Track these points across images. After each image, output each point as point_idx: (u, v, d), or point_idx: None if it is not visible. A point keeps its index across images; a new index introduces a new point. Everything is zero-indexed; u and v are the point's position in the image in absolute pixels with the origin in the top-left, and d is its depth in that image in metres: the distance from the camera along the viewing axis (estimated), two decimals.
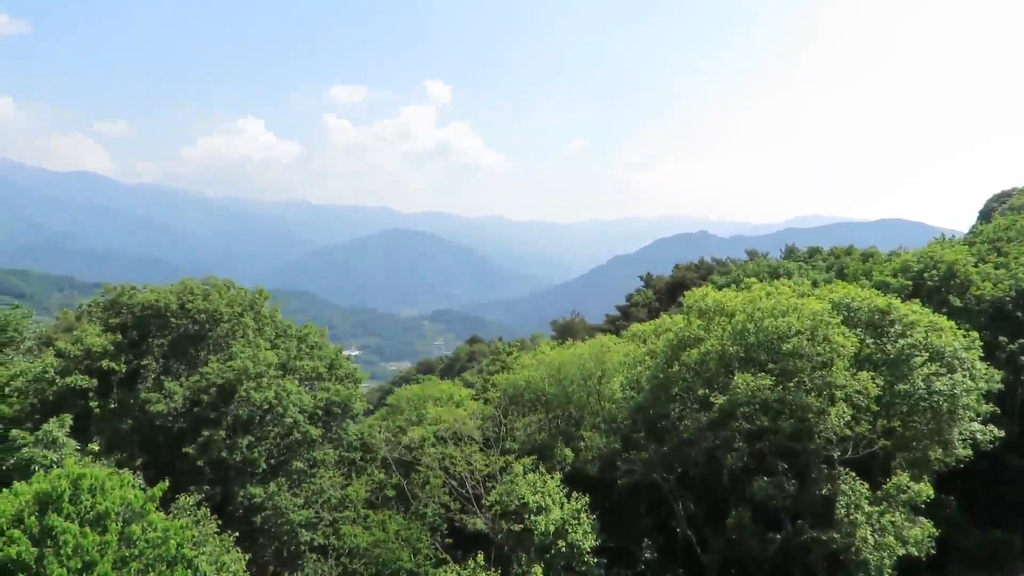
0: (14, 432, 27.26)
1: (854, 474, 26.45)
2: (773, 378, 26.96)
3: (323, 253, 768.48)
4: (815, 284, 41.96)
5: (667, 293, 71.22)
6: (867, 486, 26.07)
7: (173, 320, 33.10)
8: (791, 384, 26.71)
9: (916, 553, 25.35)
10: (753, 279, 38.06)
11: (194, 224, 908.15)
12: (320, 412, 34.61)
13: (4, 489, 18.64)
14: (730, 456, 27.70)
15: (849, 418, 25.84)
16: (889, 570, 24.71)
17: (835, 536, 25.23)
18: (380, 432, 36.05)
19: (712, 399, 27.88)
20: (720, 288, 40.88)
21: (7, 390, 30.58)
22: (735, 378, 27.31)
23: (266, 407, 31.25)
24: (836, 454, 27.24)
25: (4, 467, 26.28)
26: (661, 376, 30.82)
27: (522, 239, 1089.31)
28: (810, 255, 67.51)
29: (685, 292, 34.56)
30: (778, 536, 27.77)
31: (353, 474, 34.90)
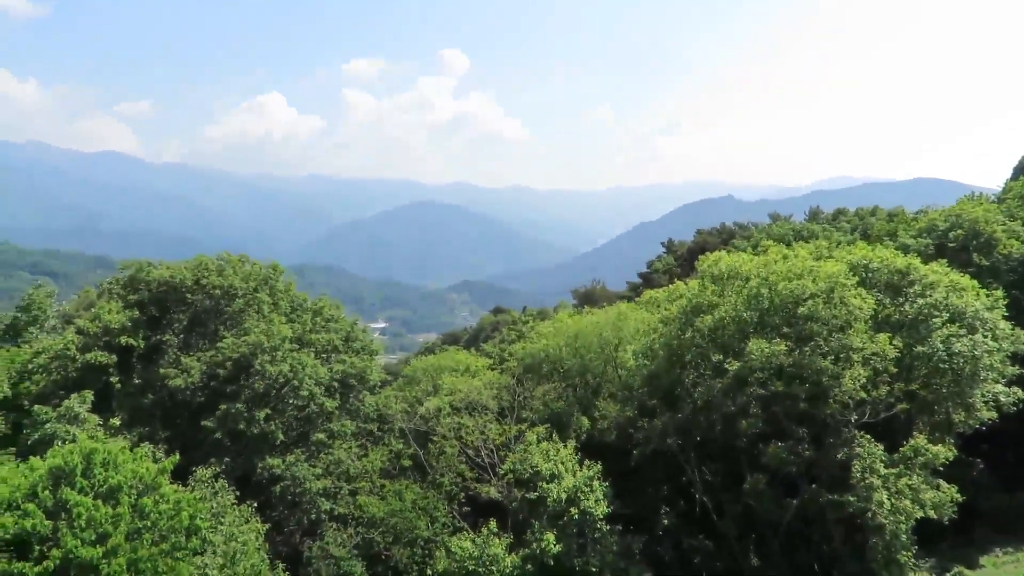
0: (37, 408, 27.95)
1: (870, 437, 26.00)
2: (788, 343, 26.52)
3: (349, 227, 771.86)
4: (838, 245, 41.04)
5: (688, 259, 70.27)
6: (882, 448, 25.61)
7: (189, 296, 33.49)
8: (807, 348, 26.22)
9: (935, 516, 24.92)
10: (771, 242, 37.28)
11: (221, 201, 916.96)
12: (336, 384, 34.91)
13: (19, 464, 19.13)
14: (745, 422, 27.43)
15: (865, 381, 25.33)
16: (906, 533, 24.36)
17: (851, 499, 24.90)
18: (396, 403, 36.30)
19: (726, 365, 27.50)
20: (740, 252, 40.15)
21: (31, 367, 31.29)
22: (749, 344, 26.90)
23: (282, 380, 31.58)
24: (853, 418, 26.79)
25: (29, 442, 26.97)
26: (675, 343, 30.47)
27: (546, 208, 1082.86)
28: (834, 217, 66.04)
29: (700, 257, 33.99)
30: (794, 501, 27.54)
31: (370, 445, 35.28)
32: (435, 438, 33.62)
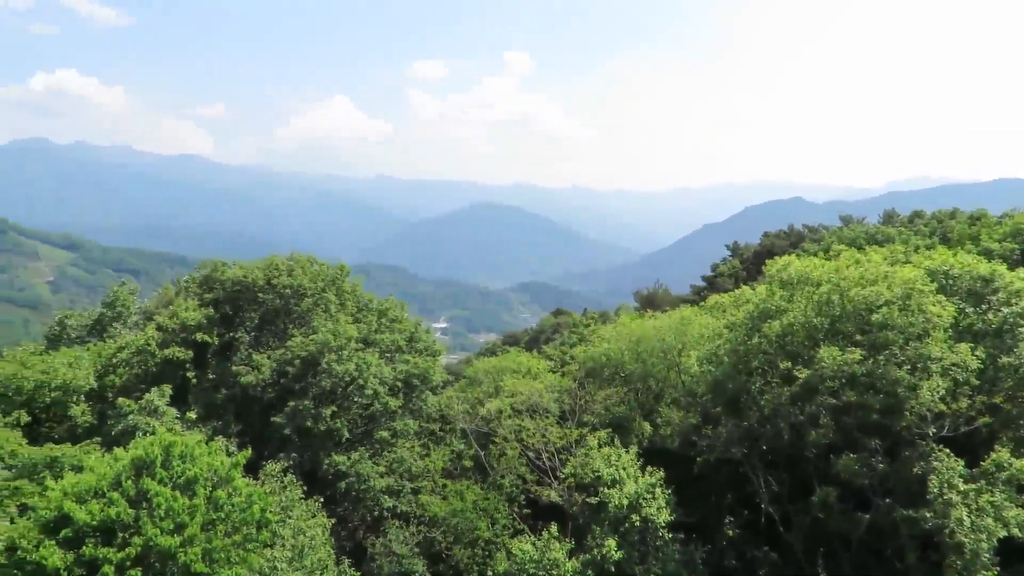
0: (121, 400, 29.42)
1: (948, 451, 24.85)
2: (861, 351, 25.60)
3: (413, 227, 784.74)
4: (915, 250, 39.40)
5: (754, 262, 68.69)
6: (962, 463, 24.42)
7: (260, 295, 34.66)
8: (881, 357, 25.25)
9: (1020, 535, 23.63)
10: (843, 246, 36.07)
11: (291, 201, 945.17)
12: (400, 384, 35.54)
13: (104, 454, 20.16)
14: (815, 432, 26.58)
15: (944, 393, 24.23)
16: (987, 553, 23.15)
17: (928, 515, 23.83)
18: (458, 404, 36.68)
19: (795, 373, 26.73)
20: (810, 256, 39.00)
21: (115, 361, 32.94)
22: (820, 351, 26.08)
23: (348, 379, 32.35)
24: (931, 431, 25.64)
25: (113, 432, 28.41)
26: (741, 349, 29.81)
27: (608, 209, 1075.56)
28: (911, 220, 63.35)
29: (768, 261, 33.16)
30: (866, 515, 26.55)
31: (432, 444, 35.78)
32: (496, 439, 33.84)
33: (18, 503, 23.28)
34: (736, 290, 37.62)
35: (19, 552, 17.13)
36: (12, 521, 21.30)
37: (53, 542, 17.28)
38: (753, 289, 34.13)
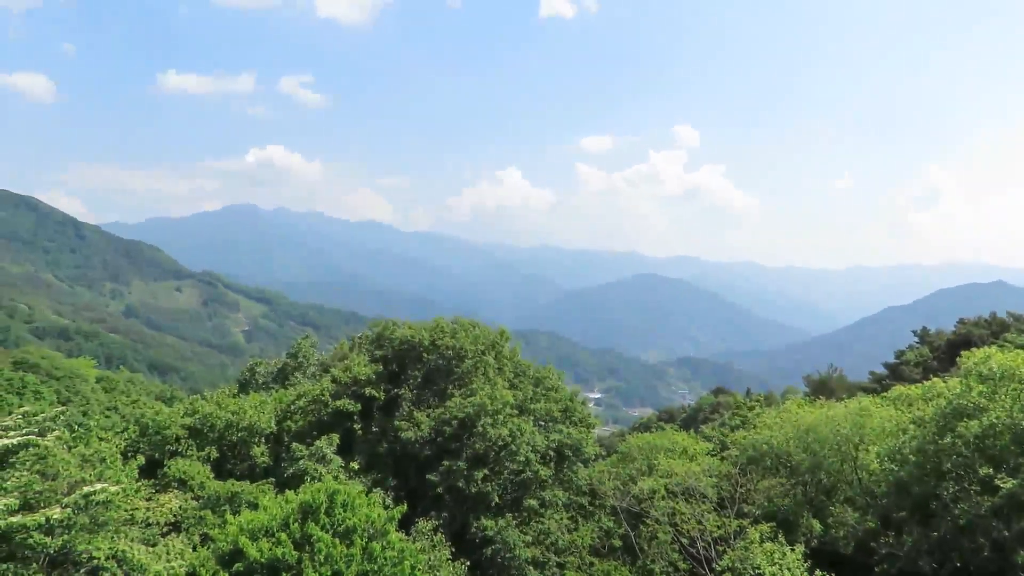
0: (295, 445, 31.65)
1: None
2: None
3: (573, 296, 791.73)
4: None
5: (947, 352, 61.84)
6: None
7: (425, 355, 36.25)
8: None
9: None
10: None
11: (461, 266, 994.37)
12: (552, 453, 35.29)
13: (277, 495, 21.63)
14: (1022, 553, 22.96)
15: None
16: None
17: None
18: (610, 479, 35.70)
19: (998, 482, 23.40)
20: (1016, 349, 34.54)
21: (292, 408, 35.66)
22: None
23: (501, 443, 32.65)
24: None
25: (285, 475, 30.51)
26: (930, 448, 26.67)
27: (777, 286, 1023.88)
28: None
29: (964, 352, 29.76)
30: None
31: (580, 519, 34.90)
32: (648, 520, 32.41)
33: (201, 532, 25.52)
34: (926, 382, 34.00)
35: None
36: (194, 548, 23.35)
37: (227, 574, 18.61)
38: (946, 382, 30.66)
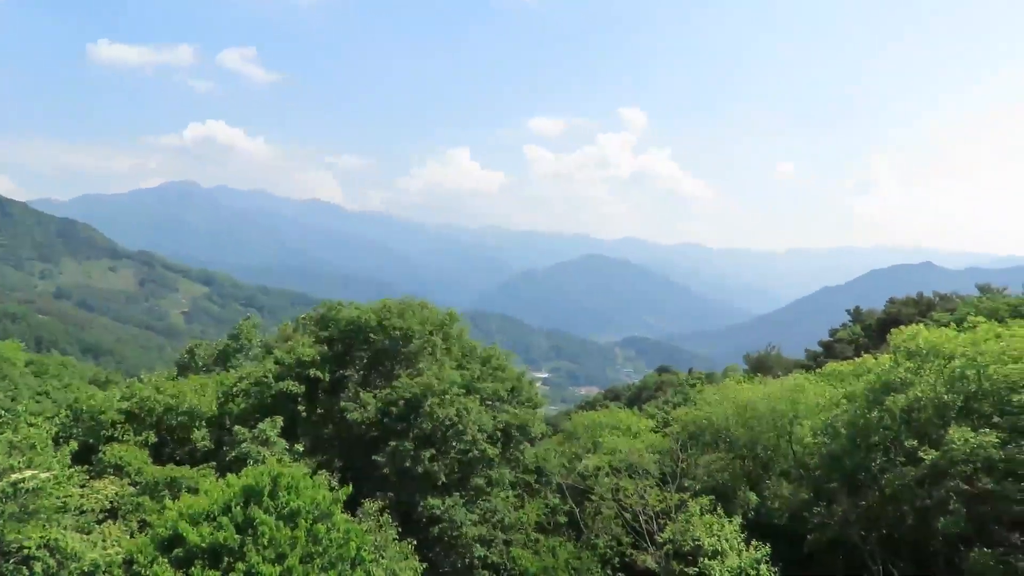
0: (237, 428, 31.05)
1: None
2: (1000, 434, 23.29)
3: (524, 277, 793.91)
4: None
5: (877, 330, 64.38)
6: None
7: (372, 336, 35.94)
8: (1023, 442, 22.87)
9: None
10: (981, 318, 33.24)
11: (411, 248, 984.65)
12: (499, 433, 35.53)
13: (218, 479, 21.27)
14: (944, 520, 24.23)
15: None
16: None
17: None
18: (555, 457, 36.20)
19: (921, 453, 24.63)
20: (941, 327, 36.22)
21: (235, 390, 34.97)
22: (951, 431, 23.97)
23: (448, 423, 32.69)
24: None
25: (227, 459, 29.96)
26: (860, 422, 27.87)
27: (722, 268, 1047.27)
28: None
29: (893, 330, 31.07)
30: None
31: (527, 496, 35.34)
32: (592, 497, 33.06)
33: (139, 519, 24.92)
34: (857, 358, 35.42)
35: (135, 566, 18.22)
36: (132, 535, 22.80)
37: (166, 560, 18.26)
38: (876, 358, 32.00)
